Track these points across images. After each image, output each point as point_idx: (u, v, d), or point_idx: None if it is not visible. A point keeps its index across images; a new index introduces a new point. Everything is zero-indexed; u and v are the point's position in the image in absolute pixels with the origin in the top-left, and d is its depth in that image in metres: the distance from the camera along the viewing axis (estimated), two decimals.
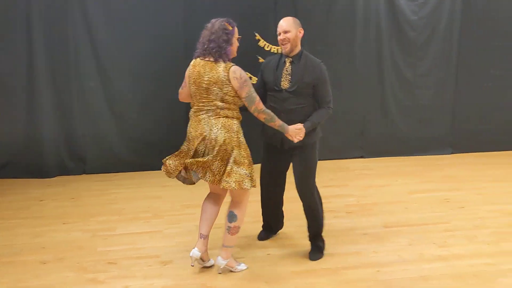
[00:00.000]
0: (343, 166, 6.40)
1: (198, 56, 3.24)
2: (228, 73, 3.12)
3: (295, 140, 3.29)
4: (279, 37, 3.44)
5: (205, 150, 3.21)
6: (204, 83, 3.15)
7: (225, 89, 3.13)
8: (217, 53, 3.14)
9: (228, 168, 3.13)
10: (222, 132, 3.14)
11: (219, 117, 3.16)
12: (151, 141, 6.21)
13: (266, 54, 6.29)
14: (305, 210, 3.63)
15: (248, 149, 3.26)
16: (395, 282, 3.19)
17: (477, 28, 6.79)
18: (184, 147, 3.36)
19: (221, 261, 3.33)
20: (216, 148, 3.13)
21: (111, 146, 6.15)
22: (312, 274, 3.30)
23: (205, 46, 3.17)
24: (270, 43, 6.29)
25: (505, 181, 5.62)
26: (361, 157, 6.83)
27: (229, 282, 3.22)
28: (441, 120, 6.97)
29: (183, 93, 3.39)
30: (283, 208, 4.02)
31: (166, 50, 6.08)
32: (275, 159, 3.66)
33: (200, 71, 3.18)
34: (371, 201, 4.93)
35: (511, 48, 6.92)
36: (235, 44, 3.25)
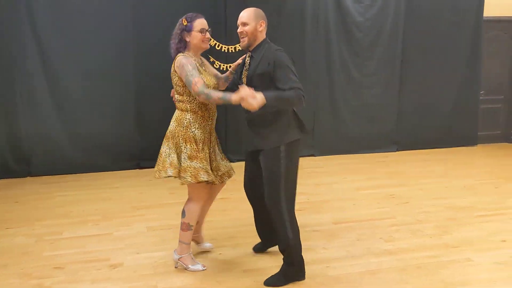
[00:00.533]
0: None
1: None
2: (173, 64, 3.20)
3: (252, 105, 2.82)
4: (238, 30, 3.23)
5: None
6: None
7: (174, 79, 3.22)
8: (174, 49, 3.24)
9: (184, 164, 3.16)
10: (174, 124, 3.23)
11: (177, 109, 3.27)
12: (99, 141, 6.08)
13: (217, 53, 6.29)
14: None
15: (201, 145, 3.22)
16: (344, 277, 3.28)
17: (419, 30, 7.08)
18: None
19: (174, 255, 3.39)
20: (170, 141, 3.22)
21: (57, 147, 5.96)
22: (263, 273, 3.33)
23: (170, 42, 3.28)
24: (221, 42, 6.29)
25: (445, 176, 5.89)
26: (312, 155, 6.95)
27: (181, 283, 3.20)
28: (387, 118, 7.21)
29: None
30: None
31: (116, 49, 5.97)
32: (248, 167, 3.45)
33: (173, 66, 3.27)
34: (321, 198, 5.03)
35: (450, 49, 7.25)
36: (196, 37, 3.21)
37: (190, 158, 3.17)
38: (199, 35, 3.21)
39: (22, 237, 3.98)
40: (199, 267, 3.38)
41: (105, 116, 6.07)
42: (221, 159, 3.48)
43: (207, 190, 3.34)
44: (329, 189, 5.36)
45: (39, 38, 5.71)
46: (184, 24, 3.22)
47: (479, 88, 7.55)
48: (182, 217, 3.32)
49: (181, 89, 3.19)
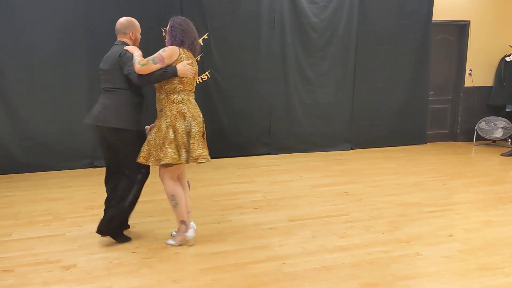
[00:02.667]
0: (251, 163, 6.53)
1: (186, 48, 3.61)
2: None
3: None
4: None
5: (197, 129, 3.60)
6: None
7: None
8: (199, 50, 3.77)
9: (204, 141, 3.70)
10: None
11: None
12: (48, 139, 5.89)
13: None
14: None
15: None
16: (300, 274, 3.33)
17: (372, 32, 7.27)
18: (182, 130, 3.55)
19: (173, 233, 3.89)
20: (201, 126, 3.64)
21: (4, 145, 5.72)
22: (219, 270, 3.33)
23: (195, 43, 3.65)
24: None
25: (397, 173, 6.09)
26: (268, 153, 7.01)
27: (137, 283, 3.15)
28: (340, 117, 7.37)
29: (154, 68, 3.45)
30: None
31: (66, 41, 5.76)
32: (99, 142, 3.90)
33: (192, 62, 3.62)
34: (277, 196, 5.08)
35: (400, 51, 7.49)
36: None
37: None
38: None
39: None
40: (171, 241, 3.79)
41: (54, 112, 5.87)
42: None
43: None
44: (285, 187, 5.42)
45: None
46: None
47: (428, 88, 7.84)
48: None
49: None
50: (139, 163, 3.62)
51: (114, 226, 3.72)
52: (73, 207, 4.64)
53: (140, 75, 3.46)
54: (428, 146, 7.95)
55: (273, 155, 6.98)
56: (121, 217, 3.75)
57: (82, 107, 5.94)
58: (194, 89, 3.70)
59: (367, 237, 3.99)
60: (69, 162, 5.96)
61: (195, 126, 3.57)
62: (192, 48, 3.65)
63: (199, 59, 6.37)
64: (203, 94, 6.52)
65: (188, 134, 3.55)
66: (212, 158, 6.54)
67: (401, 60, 7.53)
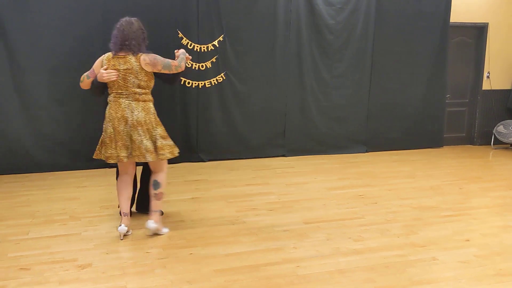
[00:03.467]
0: (265, 165, 6.52)
1: (113, 52, 3.80)
2: (139, 62, 3.74)
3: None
4: None
5: (125, 129, 3.77)
6: (120, 73, 3.75)
7: (140, 76, 3.75)
8: (136, 48, 3.75)
9: (159, 143, 3.81)
10: (142, 114, 3.77)
11: (139, 101, 3.78)
12: (65, 140, 5.95)
13: (189, 52, 6.25)
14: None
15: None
16: (314, 276, 3.31)
17: (388, 34, 7.22)
18: (108, 130, 3.83)
19: (152, 224, 3.88)
20: (139, 128, 3.75)
21: (22, 144, 5.80)
22: (233, 272, 3.33)
23: (126, 43, 3.74)
24: (193, 42, 6.26)
25: (412, 177, 6.03)
26: (283, 155, 7.00)
27: (151, 284, 3.17)
28: (356, 120, 7.32)
29: (88, 82, 3.90)
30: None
31: (84, 45, 5.84)
32: None
33: (114, 64, 3.77)
34: (292, 198, 5.07)
35: (417, 53, 7.42)
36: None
37: (163, 138, 3.85)
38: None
39: None
40: (166, 229, 4.03)
41: (71, 113, 5.93)
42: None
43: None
44: (300, 189, 5.40)
45: (4, 34, 5.55)
46: (143, 31, 3.83)
47: (445, 91, 7.76)
48: (157, 189, 3.91)
49: (145, 83, 3.78)
50: None
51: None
52: (89, 206, 4.68)
53: (87, 90, 4.00)
54: (445, 149, 7.86)
55: (288, 157, 6.96)
56: None
57: (100, 108, 5.99)
58: (127, 90, 3.77)
59: (382, 241, 3.96)
60: (86, 162, 6.01)
61: (109, 127, 3.81)
62: (128, 47, 3.74)
63: (214, 60, 6.40)
64: (218, 95, 6.54)
65: (105, 133, 3.84)
66: (226, 159, 6.68)
67: (418, 62, 7.45)
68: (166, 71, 3.82)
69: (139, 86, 3.76)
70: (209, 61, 6.41)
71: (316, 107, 7.07)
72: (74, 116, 5.95)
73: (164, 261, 3.49)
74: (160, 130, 3.86)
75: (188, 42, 6.22)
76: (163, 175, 3.96)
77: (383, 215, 4.59)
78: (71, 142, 5.97)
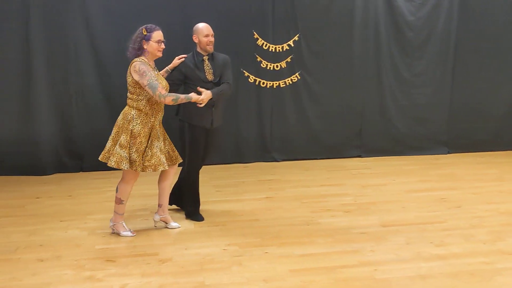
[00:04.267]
0: (341, 165, 6.41)
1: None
2: (130, 67, 3.76)
3: (204, 102, 3.95)
4: (208, 39, 4.11)
5: None
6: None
7: (128, 79, 3.79)
8: (131, 54, 3.80)
9: (113, 148, 3.80)
10: (121, 117, 3.83)
11: (127, 105, 3.85)
12: None
13: (264, 52, 6.31)
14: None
15: (138, 139, 3.76)
16: (394, 281, 3.20)
17: (473, 30, 6.83)
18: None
19: (110, 223, 4.04)
20: (114, 128, 3.84)
21: None
22: (309, 272, 3.31)
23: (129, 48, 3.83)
24: (268, 42, 6.30)
25: (500, 180, 5.66)
26: (359, 156, 6.84)
27: (227, 280, 3.22)
28: (437, 119, 7.01)
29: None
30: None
31: (164, 51, 6.04)
32: (204, 141, 4.28)
33: None
34: (368, 200, 4.94)
35: (504, 50, 6.95)
36: (152, 46, 3.79)
37: (121, 146, 3.74)
38: (155, 45, 3.80)
39: (75, 230, 4.13)
40: (128, 233, 3.97)
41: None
42: (160, 151, 3.89)
43: (133, 174, 3.89)
44: (377, 191, 5.25)
45: (92, 38, 5.88)
46: (144, 33, 3.77)
47: None
48: (116, 192, 3.95)
49: (133, 89, 3.77)
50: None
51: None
52: None
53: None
54: None
55: (364, 158, 6.80)
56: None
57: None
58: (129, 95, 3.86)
59: (466, 247, 3.75)
60: None
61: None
62: (128, 52, 3.84)
63: (289, 60, 6.40)
64: (292, 95, 6.53)
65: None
66: (300, 159, 6.64)
67: (506, 59, 6.98)
68: (150, 92, 3.68)
69: (128, 90, 3.82)
70: (284, 61, 6.42)
71: (395, 106, 6.84)
72: None
73: (240, 259, 3.54)
74: (123, 138, 3.74)
75: (263, 43, 6.27)
76: (123, 182, 3.94)
77: (468, 219, 4.34)
78: None
